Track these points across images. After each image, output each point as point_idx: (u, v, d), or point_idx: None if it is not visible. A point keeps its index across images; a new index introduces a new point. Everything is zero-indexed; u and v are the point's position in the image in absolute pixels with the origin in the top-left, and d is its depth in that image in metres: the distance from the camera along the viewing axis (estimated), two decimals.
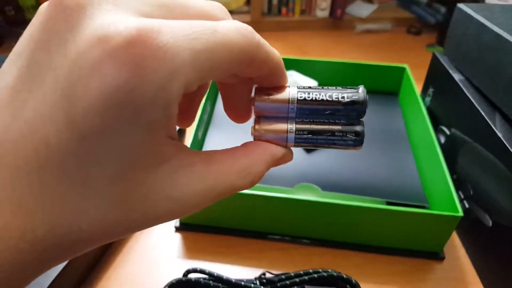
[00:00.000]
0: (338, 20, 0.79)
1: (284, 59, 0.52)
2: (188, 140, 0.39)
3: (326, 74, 0.53)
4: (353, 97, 0.16)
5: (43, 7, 0.12)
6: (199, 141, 0.42)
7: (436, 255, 0.36)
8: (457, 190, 0.39)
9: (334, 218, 0.35)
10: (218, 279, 0.29)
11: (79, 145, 0.11)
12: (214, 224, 0.37)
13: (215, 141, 0.44)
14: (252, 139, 0.16)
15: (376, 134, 0.46)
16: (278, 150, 0.16)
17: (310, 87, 0.16)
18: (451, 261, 0.37)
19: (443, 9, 0.79)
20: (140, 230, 0.14)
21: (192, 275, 0.30)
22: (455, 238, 0.39)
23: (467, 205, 0.38)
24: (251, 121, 0.17)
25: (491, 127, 0.35)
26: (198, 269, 0.30)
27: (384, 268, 0.36)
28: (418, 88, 0.49)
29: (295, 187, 0.39)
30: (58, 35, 0.12)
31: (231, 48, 0.13)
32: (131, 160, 0.12)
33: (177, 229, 0.38)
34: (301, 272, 0.31)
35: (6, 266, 0.11)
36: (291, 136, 0.16)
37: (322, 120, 0.16)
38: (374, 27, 0.80)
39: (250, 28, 0.14)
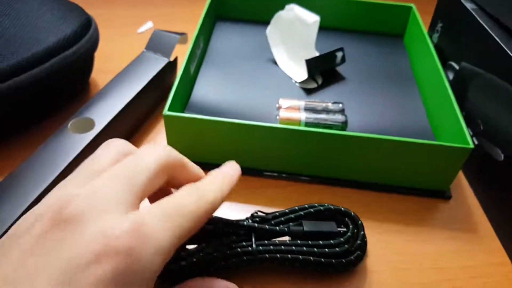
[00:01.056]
0: None
1: None
2: (178, 74, 0.36)
3: (327, 13, 0.50)
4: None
5: (35, 218, 0.15)
6: (191, 77, 0.39)
7: (443, 194, 0.34)
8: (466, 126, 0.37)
9: (334, 151, 0.32)
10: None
11: None
12: (207, 161, 0.35)
13: (208, 79, 0.41)
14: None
15: (380, 76, 0.44)
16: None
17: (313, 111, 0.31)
18: (457, 201, 0.35)
19: None
20: None
21: None
22: (462, 178, 0.37)
23: (476, 142, 0.35)
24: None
25: (507, 52, 0.32)
26: None
27: (386, 207, 0.34)
28: (425, 26, 0.46)
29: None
30: (54, 242, 0.14)
31: (195, 216, 0.18)
32: None
33: None
34: (296, 207, 0.28)
35: None
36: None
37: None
38: None
39: (200, 191, 0.19)
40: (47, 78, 0.34)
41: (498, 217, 0.32)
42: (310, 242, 0.26)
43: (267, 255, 0.25)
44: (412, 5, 0.48)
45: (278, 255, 0.25)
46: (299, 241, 0.26)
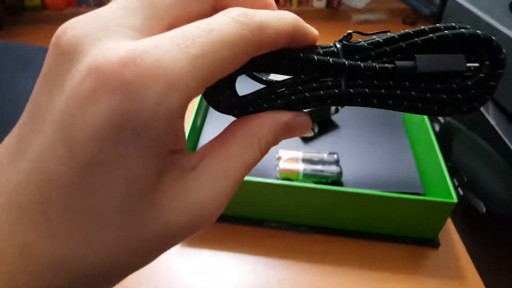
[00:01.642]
0: (334, 10, 0.80)
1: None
2: (186, 128, 0.39)
3: None
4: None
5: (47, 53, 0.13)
6: (197, 128, 0.42)
7: (431, 242, 0.37)
8: (451, 177, 0.40)
9: (330, 205, 0.35)
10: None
11: (80, 176, 0.11)
12: None
13: (213, 130, 0.44)
14: None
15: (372, 123, 0.47)
16: (281, 115, 0.15)
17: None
18: (446, 248, 0.37)
19: (437, 0, 0.79)
20: (162, 252, 0.13)
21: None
22: (450, 225, 0.39)
23: (461, 192, 0.38)
24: None
25: (484, 115, 0.35)
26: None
27: (380, 255, 0.36)
28: None
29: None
30: (57, 77, 0.12)
31: (230, 43, 0.12)
32: (136, 186, 0.12)
33: None
34: (411, 31, 0.17)
35: None
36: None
37: None
38: (370, 18, 0.80)
39: (249, 11, 0.13)
40: None
41: (484, 265, 0.34)
42: (423, 85, 0.17)
43: (359, 100, 0.17)
44: None
45: (374, 101, 0.17)
46: (407, 83, 0.17)
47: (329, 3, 0.79)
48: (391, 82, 0.17)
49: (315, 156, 0.41)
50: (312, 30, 0.15)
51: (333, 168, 0.40)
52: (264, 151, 0.14)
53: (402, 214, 0.35)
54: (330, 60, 0.16)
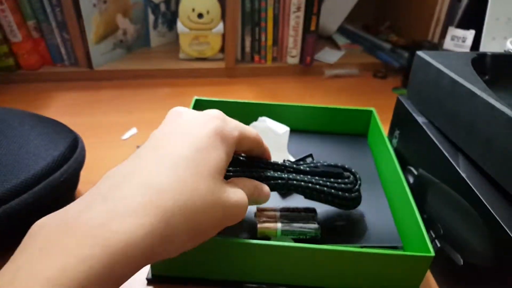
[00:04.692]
0: (308, 66, 0.83)
1: (257, 104, 0.53)
2: None
3: (297, 118, 0.54)
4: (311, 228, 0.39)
5: None
6: None
7: None
8: (428, 229, 0.40)
9: (310, 263, 0.35)
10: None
11: (197, 153, 0.26)
12: (187, 275, 0.36)
13: None
14: None
15: None
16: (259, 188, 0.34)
17: (288, 218, 0.39)
18: None
19: (406, 54, 0.83)
20: (227, 223, 0.29)
21: None
22: (430, 278, 0.39)
23: (438, 244, 0.38)
24: None
25: (455, 168, 0.36)
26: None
27: None
28: (385, 130, 0.51)
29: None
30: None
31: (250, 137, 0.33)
32: (219, 165, 0.27)
33: (149, 282, 0.36)
34: (315, 162, 0.40)
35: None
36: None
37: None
38: (342, 72, 0.83)
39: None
40: (36, 201, 0.36)
41: None
42: (324, 178, 0.38)
43: (294, 182, 0.36)
44: (372, 109, 0.54)
45: (302, 183, 0.37)
46: (317, 177, 0.37)
47: (302, 59, 0.82)
48: (309, 176, 0.38)
49: (292, 214, 0.41)
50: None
51: (311, 225, 0.39)
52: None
53: (382, 269, 0.35)
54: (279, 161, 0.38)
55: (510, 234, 0.29)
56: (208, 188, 0.25)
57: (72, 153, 0.40)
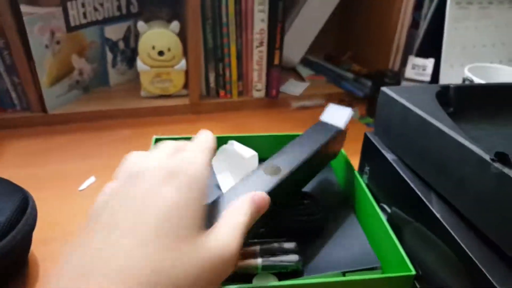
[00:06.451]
0: (274, 99, 0.82)
1: (225, 137, 0.51)
2: None
3: (266, 147, 0.53)
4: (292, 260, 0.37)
5: None
6: None
7: None
8: None
9: None
10: None
11: (165, 223, 0.23)
12: None
13: None
14: None
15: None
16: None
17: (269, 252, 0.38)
18: None
19: (369, 83, 0.84)
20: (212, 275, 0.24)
21: None
22: None
23: (418, 286, 0.37)
24: None
25: (428, 207, 0.35)
26: None
27: None
28: (355, 161, 0.49)
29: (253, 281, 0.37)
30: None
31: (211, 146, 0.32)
32: (193, 221, 0.25)
33: None
34: None
35: None
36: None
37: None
38: (308, 103, 0.83)
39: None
40: None
41: None
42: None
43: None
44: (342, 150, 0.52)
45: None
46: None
47: (268, 93, 0.82)
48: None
49: (272, 247, 0.39)
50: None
51: (292, 258, 0.38)
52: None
53: None
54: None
55: (488, 275, 0.28)
56: (183, 256, 0.23)
57: (21, 215, 0.36)
